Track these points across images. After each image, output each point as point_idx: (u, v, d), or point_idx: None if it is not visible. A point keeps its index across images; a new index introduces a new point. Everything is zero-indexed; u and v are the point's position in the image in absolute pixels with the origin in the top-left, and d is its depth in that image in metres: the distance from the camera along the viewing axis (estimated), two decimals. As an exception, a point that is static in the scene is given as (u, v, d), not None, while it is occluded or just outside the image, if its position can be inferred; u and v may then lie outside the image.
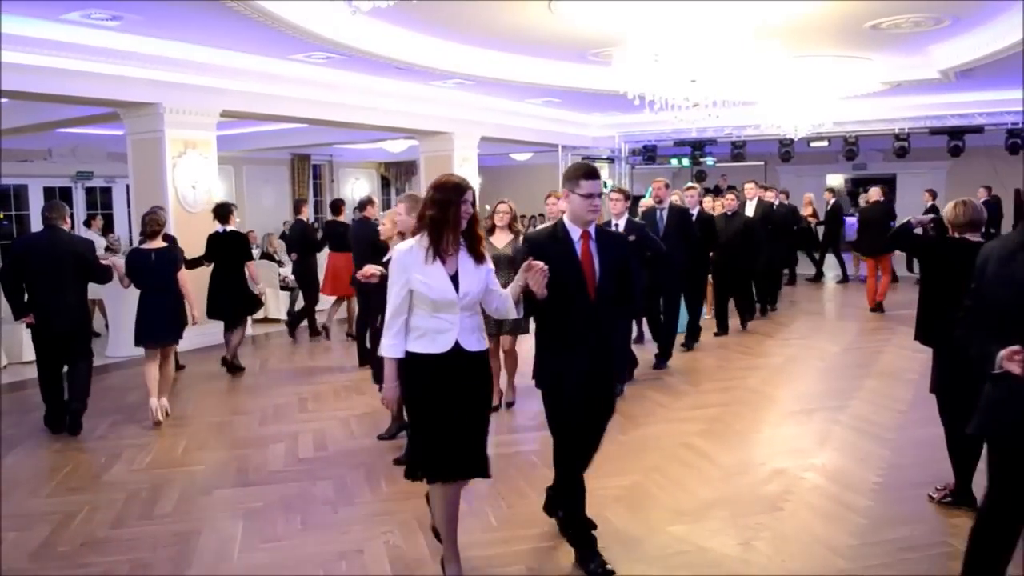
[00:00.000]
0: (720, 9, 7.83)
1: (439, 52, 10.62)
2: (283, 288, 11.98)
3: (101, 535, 4.60)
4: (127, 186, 11.63)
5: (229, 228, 8.82)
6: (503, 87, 12.97)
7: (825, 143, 16.59)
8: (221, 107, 10.41)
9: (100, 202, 18.02)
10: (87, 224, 14.45)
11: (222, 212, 8.91)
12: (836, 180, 24.41)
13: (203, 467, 5.73)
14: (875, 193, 13.08)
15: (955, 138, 15.01)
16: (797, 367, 8.75)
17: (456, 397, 3.67)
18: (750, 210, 11.82)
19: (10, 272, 6.54)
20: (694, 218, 9.23)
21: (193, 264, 8.39)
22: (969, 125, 14.84)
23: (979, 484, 4.69)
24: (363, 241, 8.97)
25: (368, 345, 8.90)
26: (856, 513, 4.66)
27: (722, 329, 10.37)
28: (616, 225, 7.60)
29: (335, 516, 4.83)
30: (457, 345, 3.65)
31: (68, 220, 6.71)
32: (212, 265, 8.76)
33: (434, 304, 3.61)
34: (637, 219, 8.34)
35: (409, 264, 3.62)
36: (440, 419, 3.66)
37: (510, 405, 7.01)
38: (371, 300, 8.92)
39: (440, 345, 3.64)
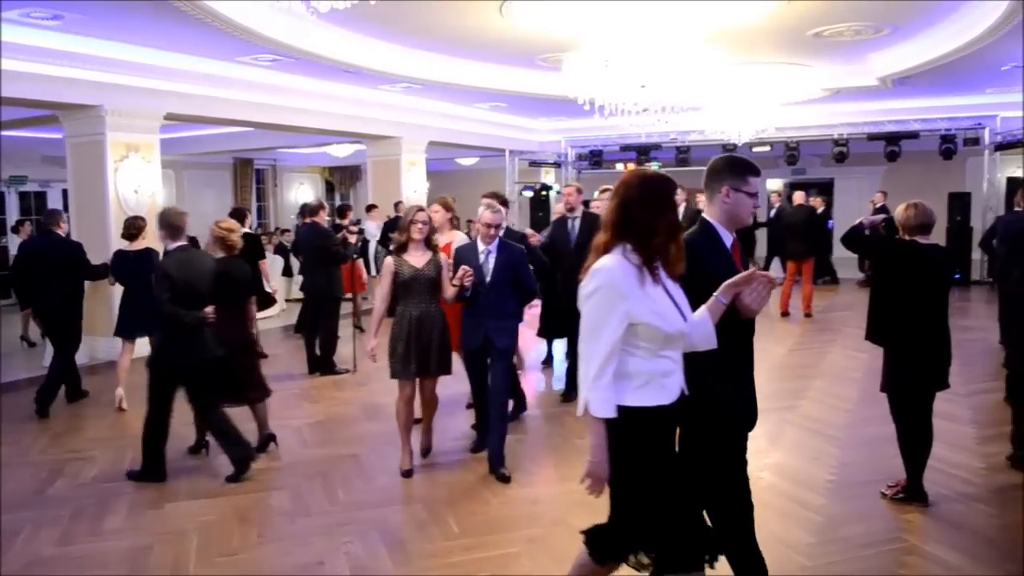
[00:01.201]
0: (669, 15, 7.92)
1: (388, 55, 10.55)
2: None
3: (47, 554, 4.43)
4: (64, 191, 11.29)
5: (243, 230, 8.75)
6: (451, 91, 12.93)
7: (767, 148, 16.88)
8: (165, 110, 10.17)
9: (35, 207, 17.47)
10: (15, 230, 14.00)
11: (237, 216, 9.24)
12: (776, 184, 24.91)
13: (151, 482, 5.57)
14: (799, 197, 13.31)
15: (892, 144, 15.42)
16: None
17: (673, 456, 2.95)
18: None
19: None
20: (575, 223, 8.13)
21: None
22: (905, 131, 15.27)
23: (930, 480, 4.84)
24: (314, 246, 8.88)
25: (319, 352, 8.84)
26: (812, 511, 4.74)
27: None
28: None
29: (293, 527, 4.73)
30: (681, 390, 2.91)
31: (63, 226, 7.76)
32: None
33: (665, 339, 2.77)
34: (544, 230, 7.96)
35: (627, 289, 2.73)
36: (674, 490, 2.87)
37: (427, 452, 5.92)
38: (320, 307, 8.86)
39: (670, 392, 2.82)
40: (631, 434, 2.76)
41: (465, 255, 5.53)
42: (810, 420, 6.67)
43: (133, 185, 9.85)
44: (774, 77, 12.16)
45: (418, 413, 5.74)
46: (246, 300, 6.09)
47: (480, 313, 5.46)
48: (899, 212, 4.80)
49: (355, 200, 23.02)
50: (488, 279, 5.45)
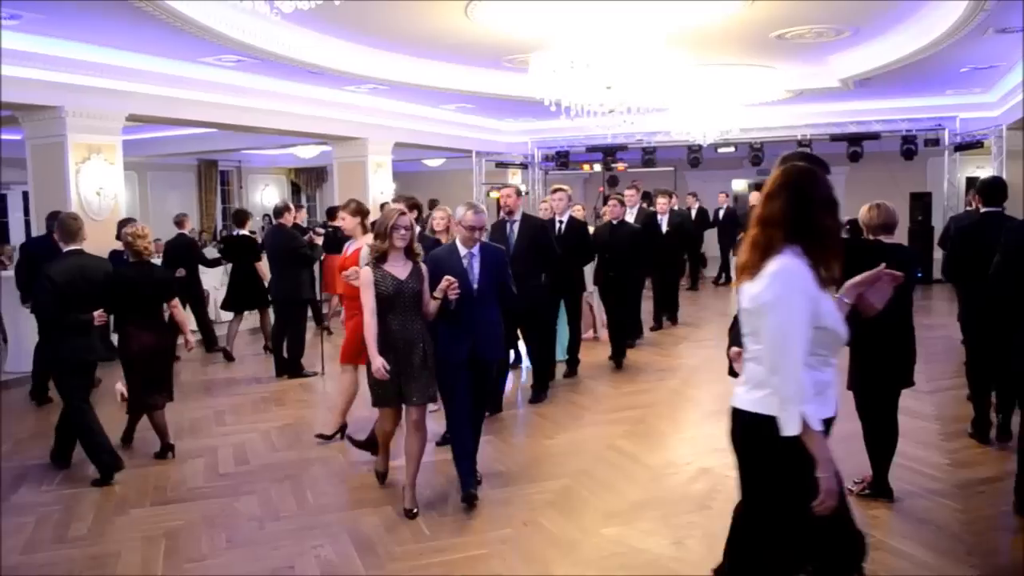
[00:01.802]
0: (634, 16, 7.98)
1: (353, 56, 10.50)
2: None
3: (12, 562, 4.35)
4: (24, 193, 11.08)
5: (242, 232, 9.93)
6: (418, 92, 12.90)
7: (732, 149, 17.08)
8: (127, 111, 10.01)
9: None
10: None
11: (239, 218, 10.07)
12: (740, 184, 25.17)
13: (118, 486, 5.47)
14: (754, 198, 13.41)
15: (854, 144, 15.67)
16: (714, 367, 8.94)
17: None
18: (630, 217, 10.14)
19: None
20: (562, 227, 8.06)
21: (213, 263, 10.62)
22: (867, 132, 15.52)
23: (895, 476, 4.91)
24: (280, 249, 8.79)
25: (286, 355, 8.76)
26: (781, 508, 4.78)
27: (617, 354, 8.93)
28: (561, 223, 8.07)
29: (262, 532, 4.69)
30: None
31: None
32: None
33: (837, 344, 2.69)
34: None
35: (814, 291, 2.58)
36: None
37: (414, 514, 4.81)
38: (287, 311, 8.78)
39: (832, 405, 2.71)
40: (801, 449, 2.55)
41: (445, 262, 4.92)
42: (777, 418, 6.72)
43: (95, 187, 9.69)
44: (738, 78, 12.29)
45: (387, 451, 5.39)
46: (157, 305, 6.07)
47: (464, 324, 4.88)
48: (862, 212, 4.86)
49: (321, 201, 22.89)
50: (475, 287, 4.95)
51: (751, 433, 2.69)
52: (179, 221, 10.44)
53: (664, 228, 11.73)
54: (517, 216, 7.08)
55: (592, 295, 9.87)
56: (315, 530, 4.66)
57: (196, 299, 10.24)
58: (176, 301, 6.27)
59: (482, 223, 5.01)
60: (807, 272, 2.57)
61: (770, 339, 2.57)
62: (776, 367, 2.55)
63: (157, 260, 8.46)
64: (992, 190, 5.98)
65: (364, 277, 4.75)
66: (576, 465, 5.64)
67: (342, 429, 6.31)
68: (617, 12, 7.87)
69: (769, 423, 2.57)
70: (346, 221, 6.32)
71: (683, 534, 4.46)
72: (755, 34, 9.77)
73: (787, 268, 2.56)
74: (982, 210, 6.01)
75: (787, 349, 2.52)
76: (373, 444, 5.53)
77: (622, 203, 9.30)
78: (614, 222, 8.98)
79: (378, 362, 4.63)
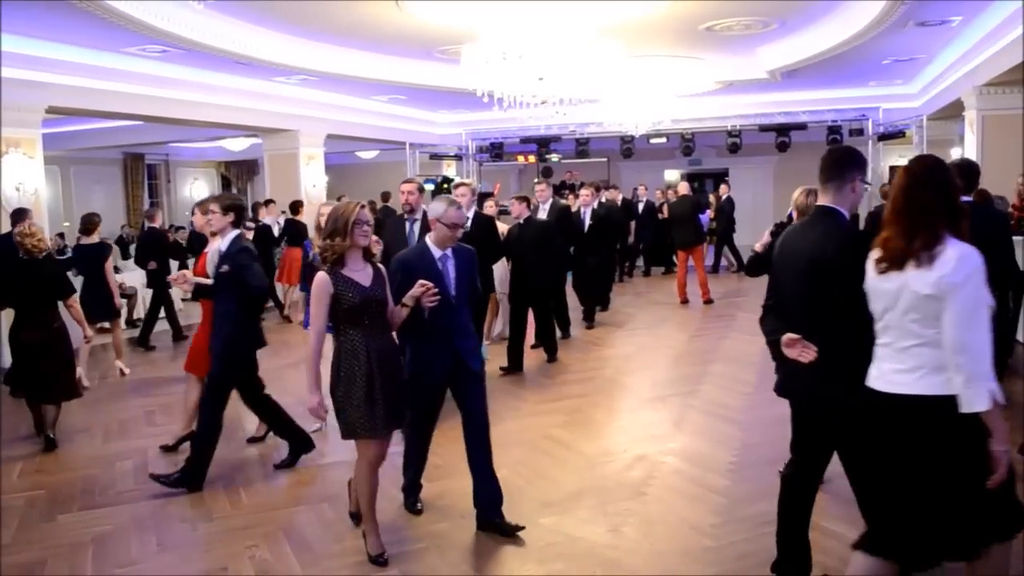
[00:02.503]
0: (563, 8, 7.99)
1: (282, 47, 10.32)
2: (123, 295, 11.24)
3: (-71, 573, 4.19)
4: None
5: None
6: (349, 84, 12.76)
7: (664, 140, 17.30)
8: (47, 103, 9.67)
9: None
10: None
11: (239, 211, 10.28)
12: (673, 175, 25.50)
13: (43, 491, 5.29)
14: (683, 188, 13.60)
15: (782, 134, 16.03)
16: (648, 356, 9.07)
17: None
18: (543, 214, 9.85)
19: None
20: (468, 224, 7.13)
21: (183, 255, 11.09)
22: (794, 123, 15.87)
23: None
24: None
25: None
26: (716, 493, 4.87)
27: (513, 366, 8.28)
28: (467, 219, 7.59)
29: (194, 534, 4.60)
30: None
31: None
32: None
33: None
34: None
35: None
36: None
37: (384, 560, 4.11)
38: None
39: None
40: (978, 424, 2.70)
41: (417, 263, 4.35)
42: (712, 404, 6.86)
43: (14, 182, 9.36)
44: (669, 70, 12.42)
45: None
46: (48, 303, 6.21)
47: (442, 334, 4.34)
48: (798, 196, 4.92)
49: (252, 195, 22.47)
50: (453, 292, 4.37)
51: (928, 416, 2.77)
52: (150, 215, 10.94)
53: (588, 221, 11.30)
54: (418, 215, 6.37)
55: (503, 295, 9.29)
56: (250, 529, 4.58)
57: (164, 291, 10.32)
58: (74, 299, 6.43)
59: (463, 220, 4.57)
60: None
61: (959, 320, 2.68)
62: (965, 346, 2.67)
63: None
64: (972, 174, 5.11)
65: (320, 285, 3.94)
66: (513, 456, 5.63)
67: (185, 439, 5.98)
68: (547, 4, 7.87)
69: (946, 403, 2.70)
70: (213, 218, 5.45)
71: (619, 521, 4.50)
72: (685, 26, 9.89)
73: (970, 252, 2.72)
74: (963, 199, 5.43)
75: (977, 328, 2.67)
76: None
77: (525, 200, 8.85)
78: (521, 220, 8.66)
79: (314, 401, 3.97)
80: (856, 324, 3.03)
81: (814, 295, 3.26)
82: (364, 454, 4.07)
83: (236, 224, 5.50)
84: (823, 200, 3.35)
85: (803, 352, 3.20)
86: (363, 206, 4.04)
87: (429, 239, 4.46)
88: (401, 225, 6.47)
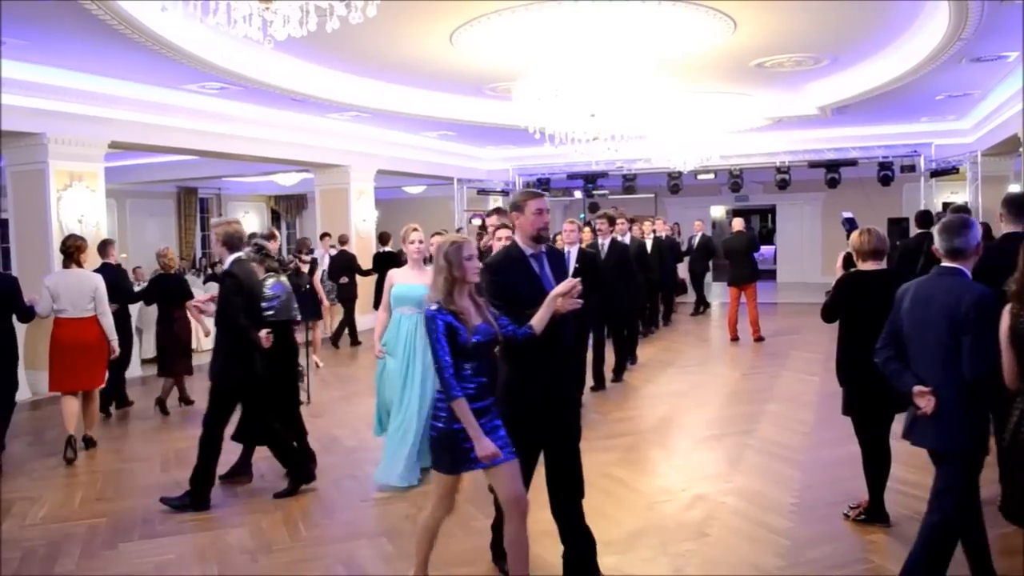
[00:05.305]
0: (617, 45, 8.04)
1: (336, 84, 10.52)
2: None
3: (-4, 600, 4.25)
4: (3, 220, 10.94)
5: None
6: (400, 120, 12.94)
7: (711, 176, 17.22)
8: (109, 138, 9.96)
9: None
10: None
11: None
12: (719, 211, 25.42)
13: (104, 519, 5.36)
14: (738, 224, 13.43)
15: (831, 171, 15.84)
16: (701, 394, 8.95)
17: None
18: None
19: None
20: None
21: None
22: (844, 158, 15.70)
23: (891, 501, 4.91)
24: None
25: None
26: (778, 534, 4.76)
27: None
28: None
29: (255, 565, 4.59)
30: None
31: None
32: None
33: None
34: None
35: None
36: None
37: None
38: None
39: None
40: None
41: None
42: (769, 443, 6.73)
43: (76, 214, 9.61)
44: (718, 106, 12.41)
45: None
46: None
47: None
48: (854, 238, 4.88)
49: (301, 229, 22.79)
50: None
51: None
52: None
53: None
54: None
55: None
56: (310, 562, 4.59)
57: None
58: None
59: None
60: None
61: None
62: None
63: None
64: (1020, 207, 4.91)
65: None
66: (570, 493, 5.57)
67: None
68: (600, 42, 7.93)
69: None
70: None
71: (681, 562, 4.42)
72: (735, 63, 9.90)
73: None
74: (1004, 230, 5.00)
75: None
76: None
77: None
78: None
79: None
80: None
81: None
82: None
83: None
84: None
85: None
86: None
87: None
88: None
